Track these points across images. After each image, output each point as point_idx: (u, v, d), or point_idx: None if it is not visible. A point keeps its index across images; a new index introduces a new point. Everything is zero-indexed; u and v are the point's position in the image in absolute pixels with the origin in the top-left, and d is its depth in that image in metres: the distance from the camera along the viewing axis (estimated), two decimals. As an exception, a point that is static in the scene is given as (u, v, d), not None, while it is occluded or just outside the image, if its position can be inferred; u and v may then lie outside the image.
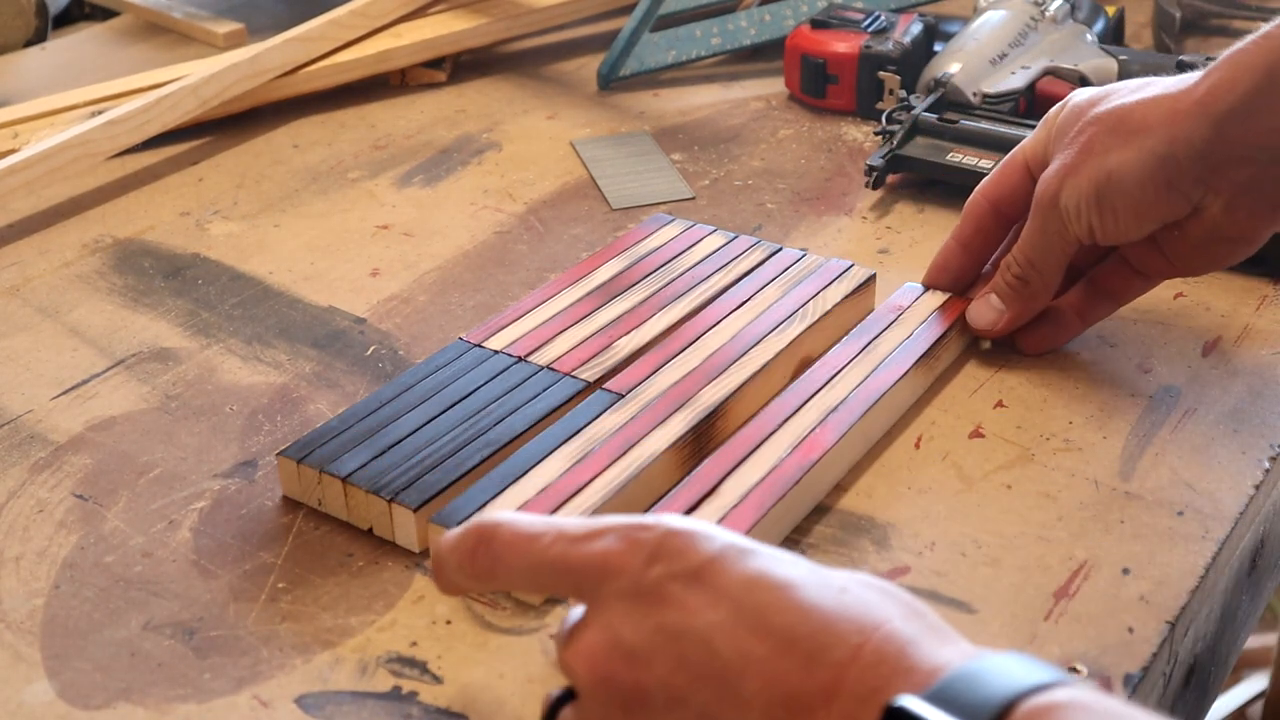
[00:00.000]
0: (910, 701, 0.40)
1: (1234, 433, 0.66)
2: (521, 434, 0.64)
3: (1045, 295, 0.69)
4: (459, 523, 0.58)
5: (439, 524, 0.58)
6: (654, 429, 0.63)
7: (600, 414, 0.64)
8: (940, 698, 0.40)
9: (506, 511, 0.50)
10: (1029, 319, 0.70)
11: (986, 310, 0.70)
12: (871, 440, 0.66)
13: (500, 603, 0.58)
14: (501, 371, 0.68)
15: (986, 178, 0.71)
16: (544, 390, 0.67)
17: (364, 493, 0.61)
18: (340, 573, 0.60)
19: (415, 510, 0.60)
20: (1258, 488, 0.63)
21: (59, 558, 0.61)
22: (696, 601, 0.44)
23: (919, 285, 0.73)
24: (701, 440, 0.64)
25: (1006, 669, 0.41)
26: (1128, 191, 0.64)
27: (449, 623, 0.57)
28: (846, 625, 0.43)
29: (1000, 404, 0.69)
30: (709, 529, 0.46)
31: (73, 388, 0.73)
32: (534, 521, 0.48)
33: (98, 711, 0.54)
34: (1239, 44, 0.63)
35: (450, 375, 0.68)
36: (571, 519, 0.48)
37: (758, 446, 0.62)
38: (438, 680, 0.55)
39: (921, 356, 0.68)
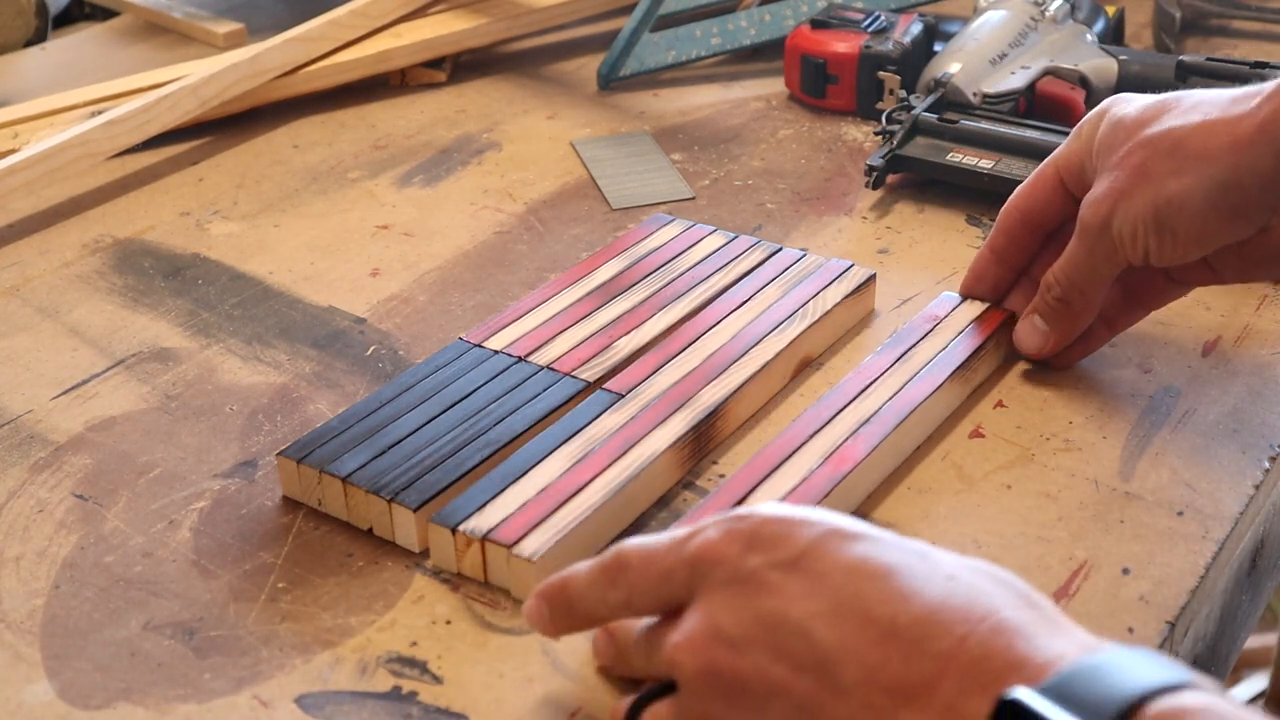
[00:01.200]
0: (1025, 694, 0.38)
1: (1234, 433, 0.66)
2: (521, 434, 0.64)
3: (1089, 315, 0.67)
4: (459, 523, 0.58)
5: (439, 524, 0.58)
6: (654, 429, 0.63)
7: (600, 414, 0.64)
8: (1057, 692, 0.39)
9: (631, 539, 0.50)
10: (1074, 337, 0.69)
11: (1032, 333, 0.69)
12: (904, 453, 0.65)
13: (500, 603, 0.58)
14: (501, 371, 0.68)
15: (1018, 189, 0.69)
16: (544, 390, 0.67)
17: (364, 493, 0.61)
18: (340, 573, 0.60)
19: (415, 510, 0.60)
20: (1258, 488, 0.63)
21: (59, 558, 0.61)
22: (795, 589, 0.44)
23: (955, 294, 0.72)
24: (701, 440, 0.64)
25: (1131, 666, 0.39)
26: (1190, 219, 0.62)
27: (449, 623, 0.57)
28: (951, 614, 0.42)
29: (1000, 404, 0.69)
30: (810, 513, 0.46)
31: (73, 388, 0.73)
32: (658, 539, 0.49)
33: (98, 711, 0.54)
34: None
35: (450, 375, 0.68)
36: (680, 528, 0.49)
37: (789, 457, 0.61)
38: (438, 680, 0.55)
39: (957, 369, 0.67)
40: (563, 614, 0.51)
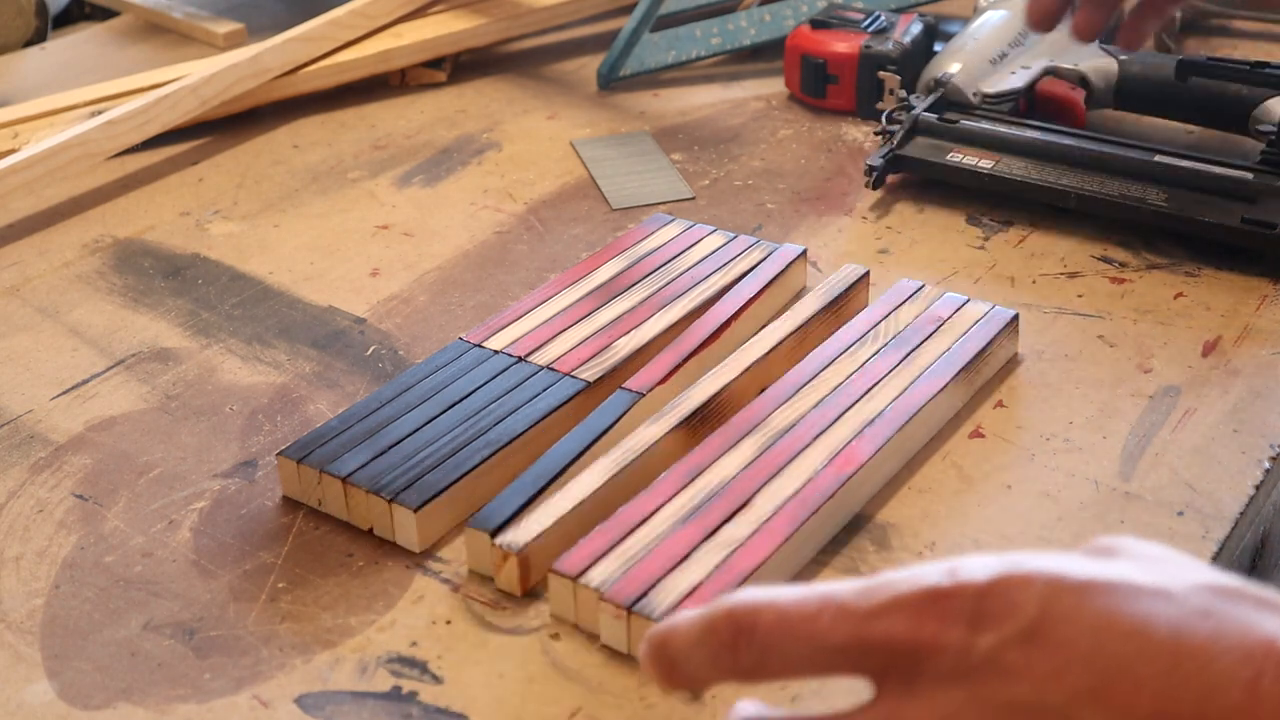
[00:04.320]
0: None
1: (1234, 433, 0.66)
2: (521, 434, 0.64)
3: None
4: (497, 527, 0.58)
5: (477, 528, 0.58)
6: (723, 455, 0.62)
7: (623, 414, 0.64)
8: None
9: (750, 591, 0.41)
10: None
11: (1083, 18, 0.66)
12: (909, 454, 0.65)
13: (500, 603, 0.58)
14: (501, 371, 0.68)
15: None
16: (544, 390, 0.67)
17: (364, 493, 0.61)
18: (340, 573, 0.60)
19: (415, 510, 0.60)
20: (1258, 488, 0.63)
21: (59, 558, 0.61)
22: (1042, 668, 0.37)
23: (958, 295, 0.72)
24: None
25: None
26: None
27: (449, 623, 0.57)
28: (1230, 658, 0.36)
29: (1000, 404, 0.69)
30: (1023, 567, 0.38)
31: (73, 388, 0.73)
32: (798, 597, 0.40)
33: (98, 711, 0.54)
34: None
35: (450, 375, 0.68)
36: (840, 584, 0.40)
37: (794, 457, 0.61)
38: (438, 680, 0.55)
39: (962, 370, 0.67)
40: (666, 675, 0.42)
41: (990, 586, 0.38)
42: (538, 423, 0.65)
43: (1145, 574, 0.38)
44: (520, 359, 0.69)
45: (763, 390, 0.67)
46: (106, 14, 1.25)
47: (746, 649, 0.40)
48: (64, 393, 0.73)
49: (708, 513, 0.58)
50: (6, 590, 0.60)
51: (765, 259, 0.77)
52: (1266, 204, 0.78)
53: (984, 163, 0.85)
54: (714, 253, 0.78)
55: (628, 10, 1.12)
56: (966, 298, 0.72)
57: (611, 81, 1.04)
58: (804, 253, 0.78)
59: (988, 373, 0.70)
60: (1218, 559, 0.60)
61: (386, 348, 0.75)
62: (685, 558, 0.56)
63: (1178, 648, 0.36)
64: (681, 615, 0.42)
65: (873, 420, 0.64)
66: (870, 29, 0.98)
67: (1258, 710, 0.35)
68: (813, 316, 0.72)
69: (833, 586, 0.40)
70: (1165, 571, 0.39)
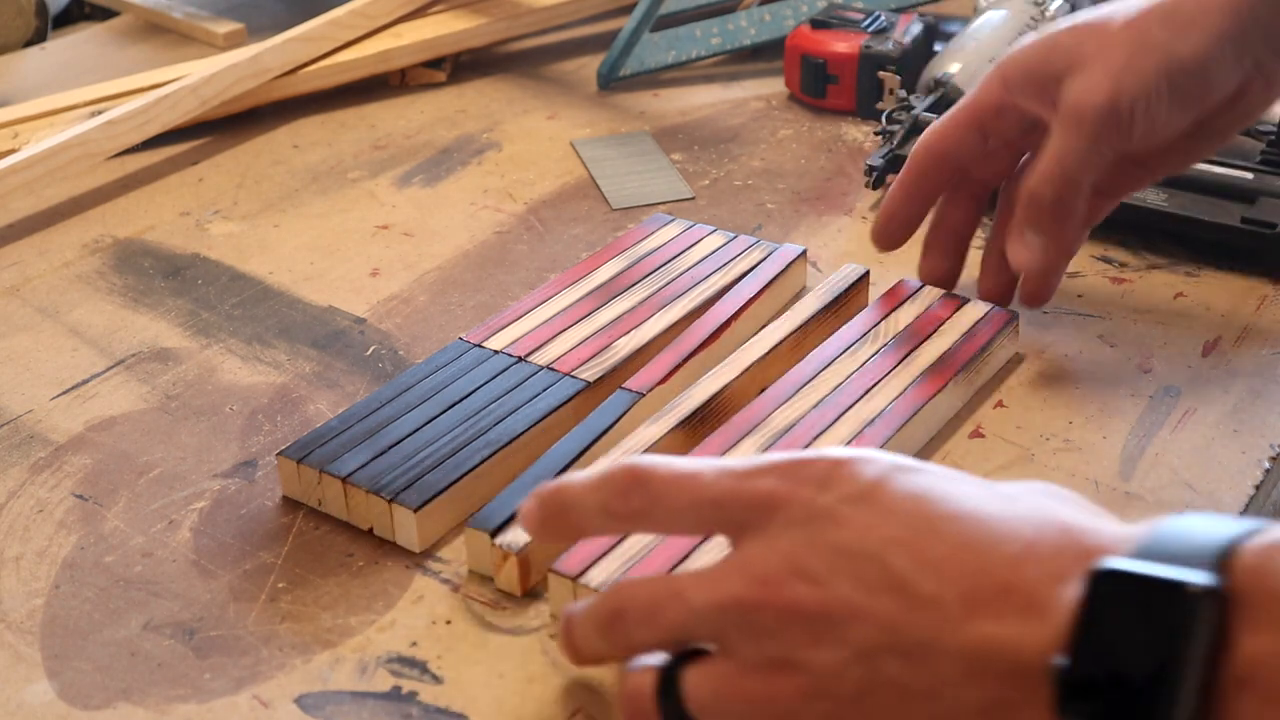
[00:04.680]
0: (1118, 561, 0.39)
1: (1234, 433, 0.66)
2: (521, 434, 0.64)
3: (1080, 213, 0.67)
4: (497, 527, 0.58)
5: (477, 528, 0.58)
6: (724, 454, 0.62)
7: (623, 414, 0.64)
8: (1149, 555, 0.39)
9: (647, 455, 0.50)
10: (1070, 245, 0.68)
11: (1027, 248, 0.67)
12: (910, 452, 0.64)
13: (500, 603, 0.58)
14: (501, 371, 0.68)
15: (935, 130, 0.70)
16: (544, 390, 0.67)
17: (364, 493, 0.61)
18: (340, 573, 0.60)
19: (415, 510, 0.60)
20: (1258, 488, 0.63)
21: (59, 558, 0.61)
22: (868, 520, 0.44)
23: (959, 296, 0.72)
24: None
25: (1210, 522, 0.40)
26: (1210, 80, 0.63)
27: (449, 623, 0.57)
28: (1016, 523, 0.43)
29: (1000, 404, 0.69)
30: (872, 454, 0.46)
31: (73, 388, 0.73)
32: (687, 461, 0.48)
33: (98, 711, 0.54)
34: None
35: (450, 375, 0.68)
36: (720, 459, 0.48)
37: None
38: (438, 680, 0.55)
39: (962, 369, 0.67)
40: (555, 518, 0.49)
41: (842, 460, 0.46)
42: (538, 423, 0.65)
43: (972, 476, 0.46)
44: (520, 359, 0.69)
45: (763, 390, 0.67)
46: (106, 14, 1.25)
47: (638, 495, 0.47)
48: (64, 393, 0.73)
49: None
50: (6, 590, 0.60)
51: (765, 259, 0.77)
52: (1266, 204, 0.78)
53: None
54: (714, 253, 0.78)
55: (628, 10, 1.12)
56: (966, 298, 0.72)
57: (611, 81, 1.04)
58: (804, 253, 0.78)
59: (988, 373, 0.70)
60: (1218, 559, 0.60)
61: (386, 348, 0.75)
62: (685, 558, 0.56)
63: (977, 513, 0.43)
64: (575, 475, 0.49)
65: (873, 420, 0.64)
66: (870, 29, 0.98)
67: (1030, 558, 0.41)
68: (813, 316, 0.72)
69: (721, 459, 0.48)
70: (1002, 481, 0.46)
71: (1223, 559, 0.39)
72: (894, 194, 0.72)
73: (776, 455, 0.47)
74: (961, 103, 0.70)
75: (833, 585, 0.44)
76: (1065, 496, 0.45)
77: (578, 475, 0.49)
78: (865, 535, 0.44)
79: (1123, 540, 0.41)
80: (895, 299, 0.72)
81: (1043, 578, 0.41)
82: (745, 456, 0.48)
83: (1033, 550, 0.42)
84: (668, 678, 0.47)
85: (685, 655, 0.47)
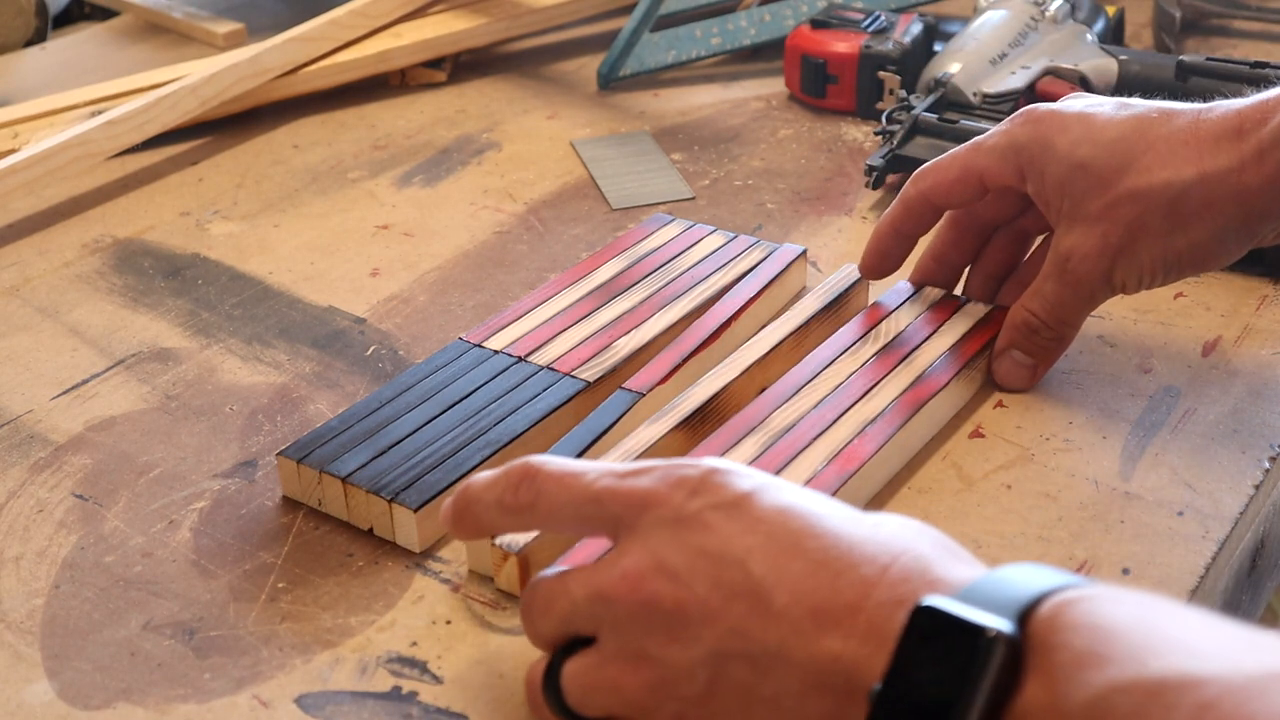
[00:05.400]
0: (937, 600, 0.42)
1: (1234, 433, 0.66)
2: (521, 434, 0.64)
3: (1070, 342, 0.69)
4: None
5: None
6: (724, 454, 0.62)
7: (624, 414, 0.64)
8: (967, 597, 0.42)
9: (540, 455, 0.52)
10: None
11: (1017, 369, 0.69)
12: (910, 453, 0.65)
13: (500, 603, 0.58)
14: (501, 371, 0.68)
15: (927, 176, 0.69)
16: (544, 390, 0.67)
17: (364, 493, 0.61)
18: (340, 573, 0.60)
19: (415, 510, 0.60)
20: (1258, 488, 0.63)
21: (59, 558, 0.61)
22: (734, 528, 0.46)
23: (959, 296, 0.72)
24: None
25: (1033, 573, 0.43)
26: (1202, 262, 0.64)
27: (449, 623, 0.57)
28: (874, 548, 0.45)
29: (1000, 404, 0.69)
30: (747, 469, 0.48)
31: (73, 388, 0.73)
32: (575, 461, 0.50)
33: (98, 711, 0.54)
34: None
35: (450, 375, 0.68)
36: (611, 462, 0.50)
37: (796, 456, 0.61)
38: (438, 680, 0.55)
39: (963, 368, 0.67)
40: (461, 514, 0.52)
41: (716, 470, 0.48)
42: (538, 423, 0.65)
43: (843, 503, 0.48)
44: (520, 359, 0.69)
45: (763, 390, 0.67)
46: (106, 14, 1.25)
47: (526, 489, 0.50)
48: (64, 393, 0.73)
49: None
50: (6, 590, 0.60)
51: (765, 259, 0.77)
52: (1266, 204, 0.78)
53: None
54: (714, 253, 0.78)
55: (628, 10, 1.12)
56: (966, 298, 0.72)
57: (611, 81, 1.04)
58: (804, 253, 0.78)
59: (987, 372, 0.70)
60: (1217, 559, 0.60)
61: (386, 348, 0.75)
62: None
63: (838, 534, 0.46)
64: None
65: (873, 420, 0.64)
66: (870, 29, 0.98)
67: (880, 583, 0.44)
68: (813, 317, 0.72)
69: (607, 463, 0.51)
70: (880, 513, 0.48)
71: (1027, 609, 0.41)
72: (882, 230, 0.72)
73: (659, 460, 0.49)
74: (963, 157, 0.68)
75: (692, 584, 0.46)
76: (932, 536, 0.46)
77: (485, 473, 0.52)
78: (729, 541, 0.46)
79: (961, 581, 0.43)
80: (895, 299, 0.72)
81: (887, 604, 0.43)
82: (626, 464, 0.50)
83: (885, 576, 0.44)
84: (552, 667, 0.49)
85: (572, 646, 0.49)
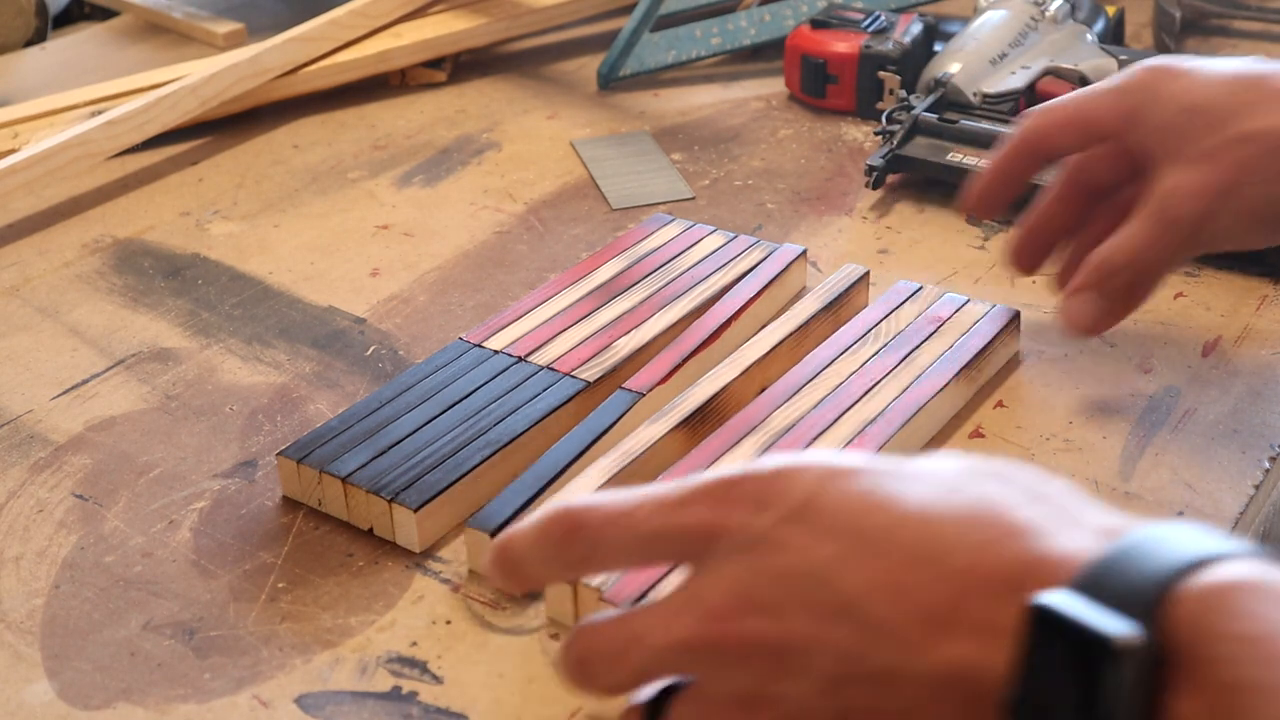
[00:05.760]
0: (1054, 599, 0.37)
1: (1234, 433, 0.66)
2: (521, 434, 0.64)
3: (1147, 297, 0.65)
4: (497, 527, 0.58)
5: (477, 528, 0.58)
6: (724, 454, 0.62)
7: (624, 414, 0.64)
8: (1086, 587, 0.37)
9: (574, 496, 0.48)
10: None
11: (1087, 310, 0.64)
12: (910, 453, 0.64)
13: (500, 603, 0.58)
14: (501, 371, 0.68)
15: (1036, 116, 0.66)
16: (544, 390, 0.67)
17: (364, 493, 0.61)
18: (340, 573, 0.60)
19: (415, 510, 0.60)
20: (1258, 488, 0.63)
21: (59, 558, 0.61)
22: (807, 539, 0.42)
23: (959, 296, 0.72)
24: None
25: (1159, 545, 0.38)
26: None
27: (449, 623, 0.57)
28: (963, 526, 0.41)
29: (1000, 404, 0.69)
30: (802, 460, 0.44)
31: (73, 388, 0.73)
32: (620, 496, 0.46)
33: (98, 711, 0.54)
34: None
35: (450, 375, 0.68)
36: (659, 485, 0.46)
37: None
38: (438, 680, 0.55)
39: (963, 368, 0.67)
40: (509, 576, 0.48)
41: (772, 475, 0.44)
42: (538, 423, 0.65)
43: (913, 464, 0.44)
44: (520, 359, 0.69)
45: (763, 390, 0.67)
46: (106, 14, 1.25)
47: (577, 543, 0.46)
48: (64, 393, 0.73)
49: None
50: (6, 590, 0.60)
51: (765, 259, 0.77)
52: (1266, 204, 0.78)
53: (984, 163, 0.85)
54: (714, 253, 0.78)
55: (628, 10, 1.12)
56: (967, 298, 0.72)
57: (611, 81, 1.04)
58: (804, 253, 0.78)
59: (989, 372, 0.70)
60: (1218, 559, 0.60)
61: (386, 348, 0.75)
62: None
63: (918, 519, 0.41)
64: (519, 523, 0.48)
65: (873, 420, 0.64)
66: (870, 29, 0.98)
67: (976, 571, 0.40)
68: (813, 317, 0.72)
69: (652, 486, 0.46)
70: (934, 461, 0.44)
71: (1161, 601, 0.36)
72: (989, 171, 0.68)
73: (709, 476, 0.45)
74: (1074, 95, 0.66)
75: (785, 616, 0.42)
76: (1008, 476, 0.43)
77: (518, 528, 0.48)
78: (807, 556, 0.42)
79: (1066, 558, 0.39)
80: (895, 299, 0.72)
81: (991, 594, 0.39)
82: (677, 481, 0.46)
83: (981, 561, 0.40)
84: (653, 711, 0.46)
85: (671, 688, 0.45)
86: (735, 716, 0.43)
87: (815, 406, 0.65)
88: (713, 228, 0.80)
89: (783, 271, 0.76)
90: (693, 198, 0.90)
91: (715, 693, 0.44)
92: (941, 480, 0.43)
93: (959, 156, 0.86)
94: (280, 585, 0.59)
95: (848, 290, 0.74)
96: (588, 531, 0.46)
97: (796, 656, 0.42)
